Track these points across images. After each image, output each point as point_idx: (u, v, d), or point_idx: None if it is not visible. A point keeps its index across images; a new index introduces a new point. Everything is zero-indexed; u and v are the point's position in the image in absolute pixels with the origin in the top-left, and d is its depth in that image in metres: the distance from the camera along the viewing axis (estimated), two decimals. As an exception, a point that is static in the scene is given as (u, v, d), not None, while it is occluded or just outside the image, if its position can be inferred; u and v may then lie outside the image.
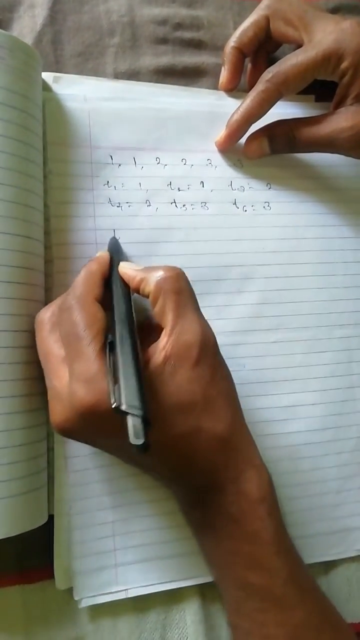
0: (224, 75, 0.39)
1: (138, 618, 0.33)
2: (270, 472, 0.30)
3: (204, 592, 0.34)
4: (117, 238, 0.35)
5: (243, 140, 0.38)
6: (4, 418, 0.29)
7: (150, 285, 0.29)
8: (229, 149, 0.38)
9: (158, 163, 0.37)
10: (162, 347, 0.28)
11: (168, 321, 0.28)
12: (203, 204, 0.38)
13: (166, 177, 0.37)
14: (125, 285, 0.31)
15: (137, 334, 0.28)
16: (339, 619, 0.31)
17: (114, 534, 0.33)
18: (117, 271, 0.31)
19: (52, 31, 0.38)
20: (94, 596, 0.32)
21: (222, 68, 0.39)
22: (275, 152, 0.38)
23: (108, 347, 0.27)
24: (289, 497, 0.36)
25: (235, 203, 0.38)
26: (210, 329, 0.29)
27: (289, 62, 0.36)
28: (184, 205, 0.37)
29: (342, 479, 0.37)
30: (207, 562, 0.33)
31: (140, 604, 0.33)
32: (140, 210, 0.36)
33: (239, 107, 0.37)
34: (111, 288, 0.30)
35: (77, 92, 0.36)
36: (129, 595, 0.33)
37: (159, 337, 0.29)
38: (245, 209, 0.38)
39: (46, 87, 0.36)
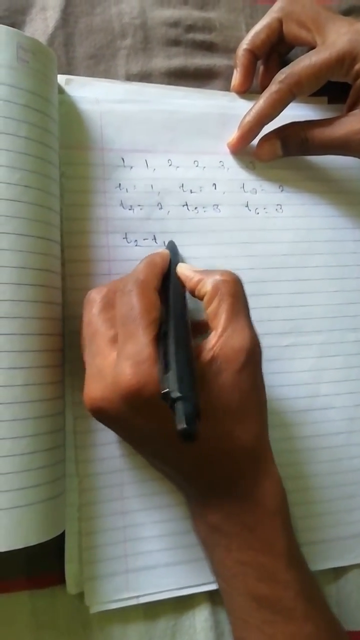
0: (236, 77, 0.39)
1: (147, 624, 0.33)
2: (283, 477, 0.30)
3: (214, 598, 0.34)
4: (174, 241, 0.36)
5: (255, 142, 0.38)
6: (20, 424, 0.29)
7: (207, 287, 0.30)
8: (241, 150, 0.38)
9: (170, 165, 0.37)
10: (210, 346, 0.28)
11: (220, 323, 0.29)
12: (215, 207, 0.37)
13: (178, 180, 0.37)
14: (181, 285, 0.31)
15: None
16: (345, 636, 0.31)
17: (125, 539, 0.33)
18: (175, 270, 0.32)
19: (64, 34, 0.38)
20: (105, 602, 0.32)
21: (235, 70, 0.39)
22: (287, 155, 0.38)
23: (163, 335, 0.27)
24: (301, 502, 0.35)
25: (247, 205, 0.38)
26: (258, 339, 0.29)
27: (302, 63, 0.36)
28: (195, 208, 0.37)
29: (356, 483, 0.37)
30: (213, 571, 0.32)
31: (150, 611, 0.33)
32: (152, 213, 0.36)
33: (251, 109, 0.37)
34: (167, 285, 0.31)
35: (89, 95, 0.36)
36: (141, 602, 0.32)
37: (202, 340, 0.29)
38: (257, 211, 0.38)
39: (58, 90, 0.35)
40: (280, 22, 0.38)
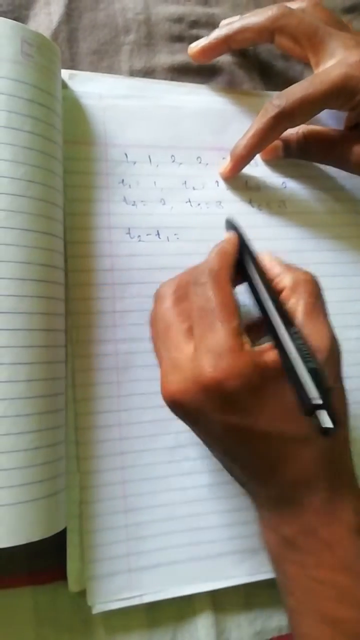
0: (202, 43, 0.38)
1: (149, 621, 0.33)
2: None
3: (216, 601, 0.34)
4: (232, 220, 0.34)
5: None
6: (23, 420, 0.28)
7: (286, 281, 0.29)
8: (233, 178, 0.38)
9: (173, 161, 0.37)
10: None
11: (297, 321, 0.28)
12: (218, 203, 0.37)
13: (181, 176, 0.37)
14: (262, 270, 0.31)
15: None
16: None
17: (128, 538, 0.32)
18: (251, 256, 0.31)
19: (67, 29, 0.38)
20: (107, 602, 0.32)
21: (205, 38, 0.38)
22: (288, 157, 0.38)
23: (261, 324, 0.27)
24: None
25: (250, 202, 0.38)
26: (338, 340, 0.29)
27: (296, 95, 0.34)
28: (198, 204, 0.37)
29: None
30: (282, 585, 0.29)
31: (152, 607, 0.33)
32: (155, 209, 0.36)
33: (243, 139, 0.36)
34: (245, 270, 0.30)
35: (93, 90, 0.36)
36: (144, 601, 0.32)
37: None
38: (260, 208, 0.38)
39: (62, 85, 0.35)
40: (272, 33, 0.37)
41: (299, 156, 0.38)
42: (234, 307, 0.28)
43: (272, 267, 0.31)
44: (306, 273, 0.30)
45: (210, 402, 0.26)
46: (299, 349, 0.25)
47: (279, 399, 0.26)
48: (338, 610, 0.27)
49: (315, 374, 0.24)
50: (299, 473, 0.28)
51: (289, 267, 0.31)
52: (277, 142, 0.38)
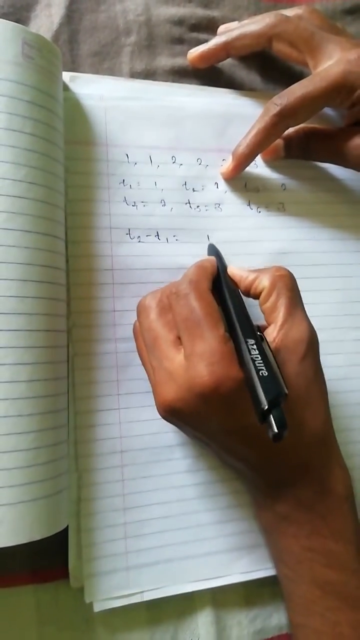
0: (201, 49, 0.39)
1: (150, 619, 0.33)
2: None
3: (216, 597, 0.34)
4: (215, 244, 0.36)
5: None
6: (25, 420, 0.29)
7: (264, 282, 0.31)
8: (234, 179, 0.38)
9: (174, 162, 0.37)
10: (272, 339, 0.30)
11: (279, 316, 0.30)
12: (217, 205, 0.38)
13: (181, 177, 0.37)
14: (235, 286, 0.33)
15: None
16: None
17: (126, 536, 0.33)
18: (224, 274, 0.33)
19: (68, 30, 0.38)
20: (107, 599, 0.32)
21: (204, 45, 0.39)
22: (289, 157, 0.39)
23: (229, 336, 0.29)
24: None
25: (249, 204, 0.38)
26: (315, 330, 0.31)
27: (297, 93, 0.35)
28: (198, 206, 0.37)
29: None
30: (276, 558, 0.33)
31: (153, 605, 0.33)
32: (155, 210, 0.36)
33: (245, 139, 0.36)
34: (220, 288, 0.32)
35: (94, 92, 0.36)
36: (145, 599, 0.32)
37: None
38: (259, 210, 0.38)
39: (63, 87, 0.36)
40: (270, 40, 0.37)
41: (300, 156, 0.38)
42: (218, 315, 0.29)
43: (246, 275, 0.32)
44: (280, 268, 0.32)
45: (208, 406, 0.28)
46: (253, 360, 0.27)
47: None
48: (328, 574, 0.29)
49: (266, 381, 0.26)
50: (297, 459, 0.30)
51: (261, 270, 0.32)
52: (278, 142, 0.38)
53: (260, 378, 0.26)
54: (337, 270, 0.39)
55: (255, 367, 0.26)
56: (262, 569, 0.34)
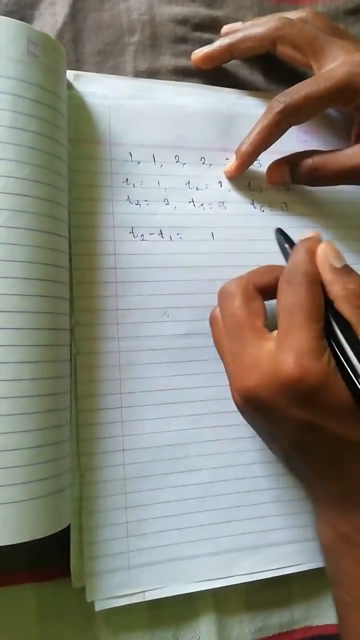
0: (205, 50, 0.39)
1: (151, 617, 0.33)
2: None
3: (217, 597, 0.34)
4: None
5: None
6: (28, 418, 0.29)
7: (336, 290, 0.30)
8: (238, 178, 0.38)
9: (177, 161, 0.37)
10: None
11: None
12: (221, 204, 0.38)
13: (185, 176, 0.37)
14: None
15: None
16: None
17: (128, 535, 0.33)
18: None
19: (72, 29, 0.38)
20: (109, 599, 0.32)
21: (208, 46, 0.39)
22: (295, 183, 0.38)
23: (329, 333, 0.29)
24: None
25: (252, 203, 0.38)
26: None
27: (301, 92, 0.35)
28: (201, 205, 0.37)
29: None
30: (333, 579, 0.31)
31: (154, 603, 0.33)
32: (159, 209, 0.36)
33: (248, 137, 0.36)
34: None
35: (98, 90, 0.36)
36: (146, 599, 0.32)
37: None
38: (262, 209, 0.38)
39: (67, 85, 0.36)
40: (274, 42, 0.37)
41: (307, 180, 0.38)
42: (322, 310, 0.29)
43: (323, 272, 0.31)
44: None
45: (289, 396, 0.28)
46: (351, 343, 0.27)
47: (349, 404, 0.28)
48: None
49: None
50: None
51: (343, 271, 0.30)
52: (284, 168, 0.37)
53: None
54: (340, 270, 0.39)
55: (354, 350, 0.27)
56: (265, 571, 0.34)
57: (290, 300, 0.29)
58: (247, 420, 0.32)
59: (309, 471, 0.31)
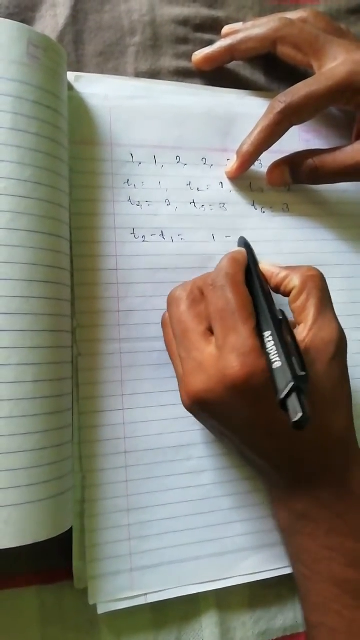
0: (205, 51, 0.39)
1: (155, 619, 0.33)
2: None
3: (220, 598, 0.34)
4: (245, 238, 0.36)
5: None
6: (30, 421, 0.29)
7: (295, 282, 0.31)
8: (239, 178, 0.38)
9: (178, 162, 0.37)
10: (301, 339, 0.30)
11: (309, 316, 0.30)
12: (222, 205, 0.38)
13: (186, 177, 0.37)
14: (265, 281, 0.33)
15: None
16: None
17: (130, 537, 0.33)
18: (255, 267, 0.33)
19: (73, 31, 0.38)
20: (111, 601, 0.32)
21: (209, 47, 0.39)
22: (297, 182, 0.38)
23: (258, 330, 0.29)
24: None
25: (254, 204, 0.38)
26: (344, 332, 0.31)
27: (302, 92, 0.35)
28: (202, 206, 0.37)
29: None
30: (293, 557, 0.33)
31: (157, 605, 0.33)
32: (160, 210, 0.36)
33: (249, 137, 0.36)
34: (251, 281, 0.32)
35: (98, 91, 0.36)
36: (149, 601, 0.32)
37: None
38: (263, 210, 0.38)
39: (68, 86, 0.36)
40: (274, 43, 0.37)
41: (308, 179, 0.38)
42: (252, 308, 0.29)
43: (278, 272, 0.32)
44: (310, 268, 0.32)
45: (236, 398, 0.28)
46: (281, 345, 0.27)
47: None
48: (346, 572, 0.29)
49: (282, 370, 0.26)
50: (318, 459, 0.30)
51: (293, 268, 0.32)
52: (285, 168, 0.38)
53: (278, 368, 0.26)
54: (342, 271, 0.39)
55: (270, 359, 0.27)
56: (267, 570, 0.34)
57: (218, 304, 0.30)
58: (197, 419, 0.33)
59: (263, 463, 0.32)
